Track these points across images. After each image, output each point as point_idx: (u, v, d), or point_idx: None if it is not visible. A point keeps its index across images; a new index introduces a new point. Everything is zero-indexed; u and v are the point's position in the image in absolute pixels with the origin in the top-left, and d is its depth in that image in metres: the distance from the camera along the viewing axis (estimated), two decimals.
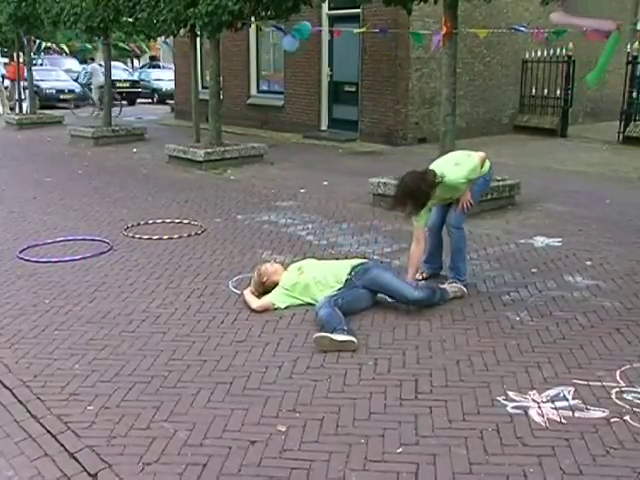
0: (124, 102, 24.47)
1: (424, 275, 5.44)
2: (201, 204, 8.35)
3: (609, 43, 5.67)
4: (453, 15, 7.53)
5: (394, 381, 3.79)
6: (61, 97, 24.01)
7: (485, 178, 5.27)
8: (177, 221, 7.43)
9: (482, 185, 5.33)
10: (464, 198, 5.10)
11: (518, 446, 3.15)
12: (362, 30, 9.75)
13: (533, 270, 5.69)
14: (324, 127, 14.85)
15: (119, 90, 24.04)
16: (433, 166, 5.07)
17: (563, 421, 3.35)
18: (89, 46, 18.57)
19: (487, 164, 5.23)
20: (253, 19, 10.88)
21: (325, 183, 9.57)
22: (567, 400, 3.55)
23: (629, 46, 12.90)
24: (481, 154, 5.12)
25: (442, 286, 5.06)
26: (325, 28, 13.29)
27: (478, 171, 5.07)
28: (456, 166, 5.01)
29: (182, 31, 11.55)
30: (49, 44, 18.80)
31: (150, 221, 7.44)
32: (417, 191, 4.81)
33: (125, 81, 26.61)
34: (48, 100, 23.17)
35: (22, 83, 18.76)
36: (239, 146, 11.42)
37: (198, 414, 3.46)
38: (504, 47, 14.12)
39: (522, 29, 8.25)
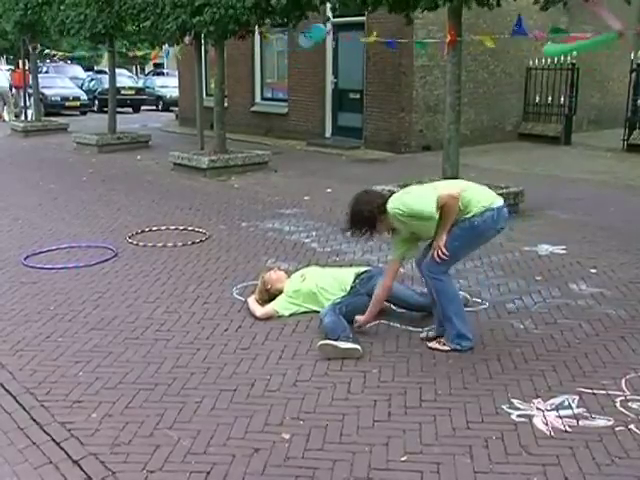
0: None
1: (429, 335, 4.46)
2: (205, 211, 8.37)
3: (598, 38, 5.62)
4: (457, 23, 7.55)
5: (398, 389, 3.78)
6: (66, 104, 24.13)
7: (472, 223, 4.08)
8: (181, 228, 7.44)
9: (467, 231, 4.11)
10: (436, 242, 4.14)
11: (522, 455, 3.15)
12: (371, 39, 9.76)
13: (537, 278, 5.68)
14: (328, 134, 14.87)
15: (124, 97, 24.15)
16: None
17: (568, 429, 3.35)
18: (85, 53, 18.66)
19: (478, 206, 4.09)
20: (258, 27, 10.93)
21: (329, 190, 9.58)
22: (572, 408, 3.54)
23: (632, 54, 12.90)
24: (452, 192, 4.03)
25: None
26: (331, 36, 13.30)
27: (429, 207, 3.97)
28: (403, 195, 4.17)
29: (187, 39, 11.59)
30: (52, 52, 18.89)
31: (154, 228, 7.45)
32: (359, 214, 4.16)
33: (130, 88, 26.71)
34: (53, 107, 23.29)
35: (27, 90, 18.85)
36: (243, 153, 11.45)
37: (202, 422, 3.46)
38: (508, 55, 14.12)
39: (523, 30, 8.15)
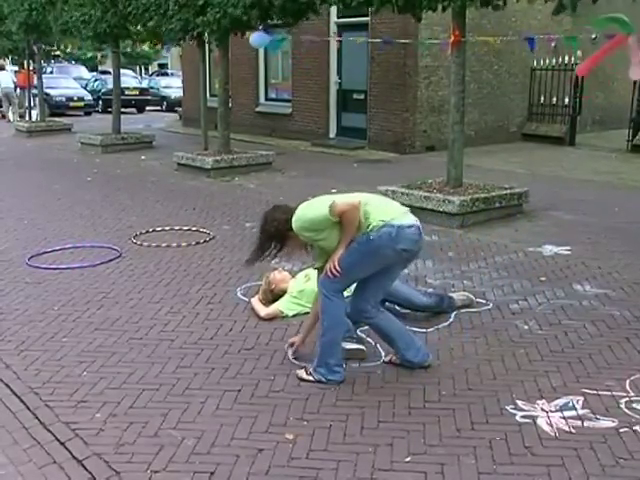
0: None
1: (393, 359, 4.13)
2: (209, 212, 8.37)
3: (620, 18, 5.71)
4: (461, 23, 7.54)
5: (402, 390, 3.78)
6: (70, 105, 24.16)
7: (368, 237, 3.71)
8: (185, 228, 7.44)
9: (362, 245, 3.73)
10: (332, 256, 3.80)
11: (527, 456, 3.14)
12: (363, 40, 9.75)
13: (542, 279, 5.67)
14: (332, 135, 14.87)
15: (128, 97, 24.18)
16: None
17: (572, 431, 3.34)
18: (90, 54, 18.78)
19: (376, 220, 3.72)
20: (261, 27, 10.93)
21: (334, 191, 9.55)
22: (576, 409, 3.54)
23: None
24: (351, 200, 3.70)
25: (450, 294, 5.05)
26: (330, 39, 13.31)
27: (320, 211, 3.70)
28: (303, 205, 3.87)
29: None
30: (56, 51, 18.96)
31: (158, 228, 7.45)
32: (266, 233, 3.95)
33: (134, 88, 26.75)
34: (57, 108, 23.32)
35: (32, 91, 18.89)
36: (247, 154, 11.46)
37: (206, 422, 3.46)
38: (512, 55, 14.11)
39: (533, 42, 8.12)
